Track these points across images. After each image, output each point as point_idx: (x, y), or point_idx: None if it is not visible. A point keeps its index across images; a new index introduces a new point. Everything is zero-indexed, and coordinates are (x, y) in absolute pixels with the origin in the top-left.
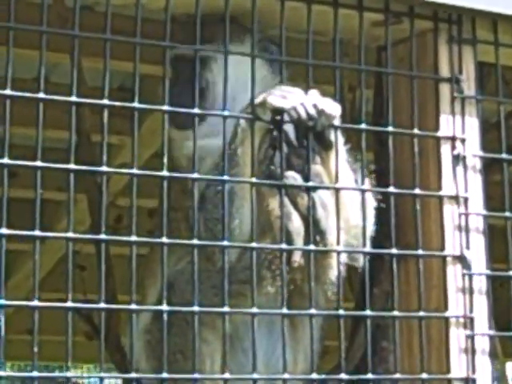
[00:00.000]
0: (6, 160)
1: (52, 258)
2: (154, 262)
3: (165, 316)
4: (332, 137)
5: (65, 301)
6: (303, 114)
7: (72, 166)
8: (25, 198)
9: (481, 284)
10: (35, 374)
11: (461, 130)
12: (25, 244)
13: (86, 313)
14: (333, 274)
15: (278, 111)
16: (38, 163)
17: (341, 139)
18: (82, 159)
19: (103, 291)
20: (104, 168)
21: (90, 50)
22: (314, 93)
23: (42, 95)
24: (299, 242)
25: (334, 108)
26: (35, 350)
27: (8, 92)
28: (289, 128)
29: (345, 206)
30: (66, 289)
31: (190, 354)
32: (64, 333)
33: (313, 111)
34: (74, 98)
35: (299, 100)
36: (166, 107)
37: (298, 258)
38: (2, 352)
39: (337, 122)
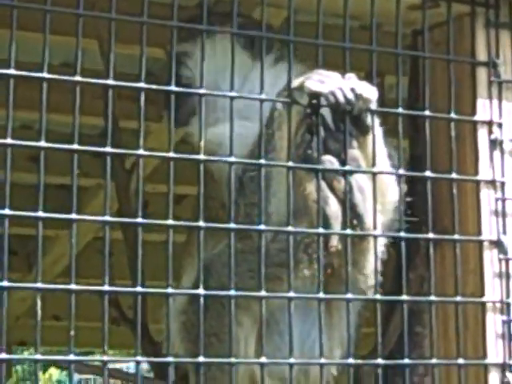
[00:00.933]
0: (42, 143)
1: (78, 245)
2: (191, 246)
3: (201, 300)
4: (369, 121)
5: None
6: (341, 99)
7: (108, 149)
8: (49, 183)
9: None
10: (72, 357)
11: (498, 114)
12: (49, 230)
13: (114, 298)
14: (371, 258)
15: (316, 95)
16: (75, 146)
17: (377, 123)
18: (111, 145)
19: (139, 275)
20: (141, 151)
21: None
22: (351, 76)
23: (78, 78)
24: (337, 226)
25: (371, 92)
26: (72, 333)
27: (45, 75)
28: (326, 112)
29: (382, 189)
30: (91, 275)
31: (224, 337)
32: (91, 318)
33: (351, 95)
34: (111, 81)
35: (337, 84)
36: (202, 90)
37: (335, 242)
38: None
39: (373, 106)
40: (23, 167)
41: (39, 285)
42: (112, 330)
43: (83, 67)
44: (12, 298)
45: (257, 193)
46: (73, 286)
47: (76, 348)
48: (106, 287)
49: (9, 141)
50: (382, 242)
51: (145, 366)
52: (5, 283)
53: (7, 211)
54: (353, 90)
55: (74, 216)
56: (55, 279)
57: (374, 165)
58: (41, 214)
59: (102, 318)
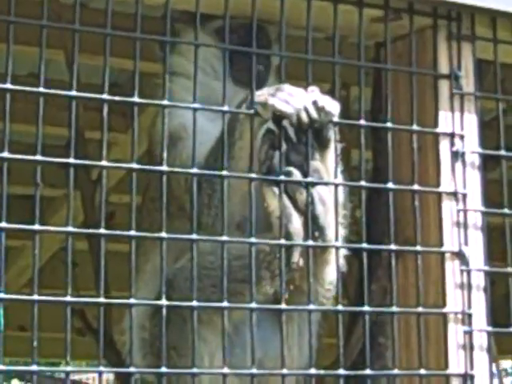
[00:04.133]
0: (5, 154)
1: (43, 256)
2: (149, 255)
3: (164, 311)
4: (330, 134)
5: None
6: (305, 119)
7: (72, 160)
8: (15, 194)
9: (479, 280)
10: (34, 368)
11: (459, 126)
12: (15, 240)
13: (79, 309)
14: (332, 269)
15: (280, 114)
16: (38, 157)
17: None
18: (76, 155)
19: (102, 286)
20: (104, 162)
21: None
22: (314, 89)
23: (42, 89)
24: (299, 242)
25: (333, 106)
26: (35, 344)
27: (8, 86)
28: (288, 125)
29: (342, 202)
30: (57, 285)
31: (184, 352)
32: (56, 329)
33: (314, 114)
34: (74, 93)
35: (301, 103)
36: (165, 102)
37: (297, 258)
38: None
39: (335, 118)
40: None
41: (1, 295)
42: (77, 341)
43: (51, 78)
44: None
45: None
46: (35, 297)
47: (41, 359)
48: (69, 298)
49: None
50: (343, 253)
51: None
52: None
53: None
54: (315, 103)
55: (36, 227)
56: (21, 289)
57: (335, 177)
58: (3, 224)
59: (64, 328)
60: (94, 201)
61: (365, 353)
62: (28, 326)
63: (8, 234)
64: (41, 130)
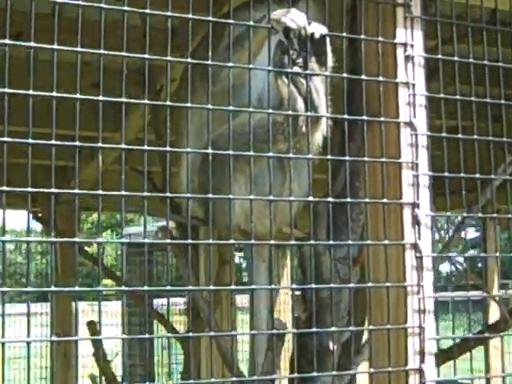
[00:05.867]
0: None
1: None
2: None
3: (210, 157)
4: (323, 46)
5: None
6: (303, 34)
7: None
8: None
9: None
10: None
11: (410, 38)
12: None
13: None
14: (323, 132)
15: (289, 28)
16: None
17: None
18: None
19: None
20: None
21: None
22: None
23: None
24: (302, 116)
25: (322, 28)
26: None
27: None
28: (293, 37)
29: (330, 90)
30: None
31: (223, 191)
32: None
33: (311, 30)
34: None
35: (303, 23)
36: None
37: (301, 123)
38: None
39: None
40: None
41: None
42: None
43: None
44: None
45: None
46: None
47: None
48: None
49: None
50: (329, 123)
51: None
52: None
53: None
54: (310, 23)
55: None
56: None
57: (326, 69)
58: None
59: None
60: None
61: (345, 191)
62: None
63: None
64: None
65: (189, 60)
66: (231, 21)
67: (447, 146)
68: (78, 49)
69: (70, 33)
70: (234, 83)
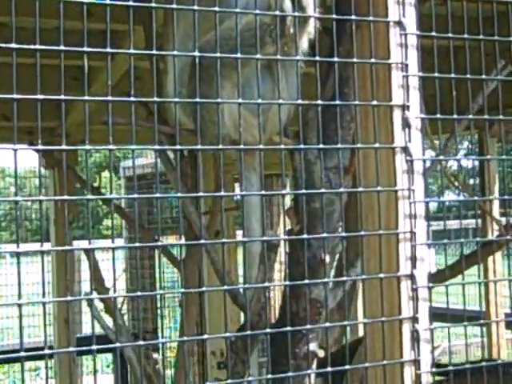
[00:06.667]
0: None
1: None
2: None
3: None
4: None
5: None
6: None
7: None
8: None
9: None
10: None
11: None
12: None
13: None
14: (310, 35)
15: None
16: None
17: None
18: None
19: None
20: None
21: None
22: None
23: None
24: (290, 16)
25: None
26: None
27: None
28: None
29: None
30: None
31: (212, 96)
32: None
33: None
34: None
35: None
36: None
37: (289, 22)
38: None
39: None
40: None
41: None
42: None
43: None
44: None
45: None
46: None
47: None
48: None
49: None
50: (317, 26)
51: None
52: None
53: None
54: None
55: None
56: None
57: None
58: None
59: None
60: None
61: (335, 99)
62: None
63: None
64: None
65: None
66: None
67: (437, 49)
68: None
69: None
70: None
